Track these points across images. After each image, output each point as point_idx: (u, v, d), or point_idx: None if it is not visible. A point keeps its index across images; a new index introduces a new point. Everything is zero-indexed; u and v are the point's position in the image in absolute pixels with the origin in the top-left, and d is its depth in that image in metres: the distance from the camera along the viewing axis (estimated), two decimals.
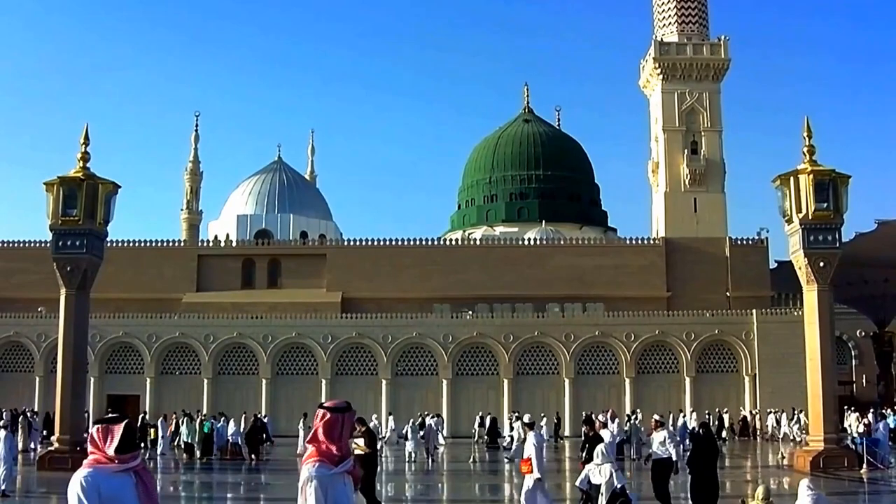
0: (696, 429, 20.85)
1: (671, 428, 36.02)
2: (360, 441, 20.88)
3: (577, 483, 20.49)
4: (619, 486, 18.61)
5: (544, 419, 49.93)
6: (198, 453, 41.03)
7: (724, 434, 55.17)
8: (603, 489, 18.74)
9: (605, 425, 26.91)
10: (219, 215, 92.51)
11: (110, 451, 6.17)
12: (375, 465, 21.10)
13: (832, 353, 34.18)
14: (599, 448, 19.34)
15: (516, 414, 47.99)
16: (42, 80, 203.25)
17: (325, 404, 6.93)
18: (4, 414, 49.74)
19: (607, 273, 72.61)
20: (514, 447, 19.99)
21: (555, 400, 62.25)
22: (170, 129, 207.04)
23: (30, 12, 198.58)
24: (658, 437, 20.94)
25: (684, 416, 55.02)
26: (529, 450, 18.65)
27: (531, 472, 18.39)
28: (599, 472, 18.98)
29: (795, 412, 53.88)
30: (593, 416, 28.56)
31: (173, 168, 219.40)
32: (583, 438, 22.43)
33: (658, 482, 20.66)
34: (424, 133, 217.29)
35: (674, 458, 20.65)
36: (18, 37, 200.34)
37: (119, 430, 6.19)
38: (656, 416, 21.88)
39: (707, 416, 54.65)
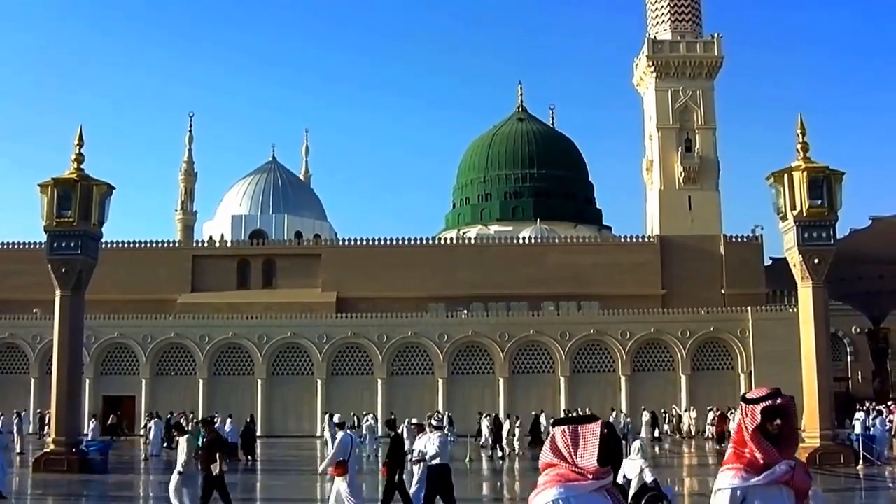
0: (602, 429, 20.05)
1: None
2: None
3: None
4: (650, 480, 18.62)
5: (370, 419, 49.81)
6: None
7: (656, 433, 55.09)
8: (634, 483, 18.79)
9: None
10: (213, 216, 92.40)
11: (586, 463, 4.77)
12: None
13: (827, 349, 34.25)
14: (636, 444, 19.42)
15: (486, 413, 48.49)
16: (35, 81, 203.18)
17: (750, 396, 5.52)
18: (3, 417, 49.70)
19: (602, 271, 72.64)
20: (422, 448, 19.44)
21: (551, 398, 62.22)
22: (164, 130, 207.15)
23: (23, 13, 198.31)
24: (433, 440, 19.61)
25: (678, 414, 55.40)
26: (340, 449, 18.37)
27: (342, 474, 18.13)
28: (633, 466, 19.04)
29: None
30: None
31: (168, 169, 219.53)
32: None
33: (437, 490, 19.43)
34: (418, 132, 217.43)
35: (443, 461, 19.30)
36: (12, 37, 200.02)
37: (595, 434, 4.82)
38: (433, 419, 21.14)
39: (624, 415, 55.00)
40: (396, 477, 20.14)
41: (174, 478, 19.95)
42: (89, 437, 43.27)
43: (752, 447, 5.25)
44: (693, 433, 56.56)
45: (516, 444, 43.39)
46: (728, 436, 49.98)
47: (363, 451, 39.66)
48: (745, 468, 5.25)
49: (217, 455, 19.48)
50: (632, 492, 18.79)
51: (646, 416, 55.36)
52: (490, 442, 44.85)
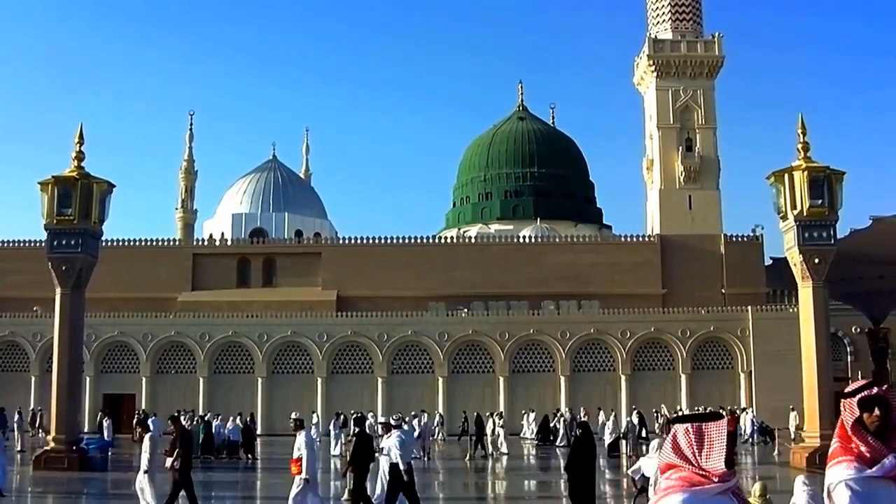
0: (576, 430, 20.01)
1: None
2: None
3: (630, 472, 20.52)
4: None
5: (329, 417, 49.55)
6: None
7: (643, 433, 54.90)
8: (652, 481, 18.89)
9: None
10: (214, 214, 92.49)
11: (712, 465, 4.41)
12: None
13: (827, 349, 34.26)
14: (655, 442, 19.52)
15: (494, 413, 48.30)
16: (36, 80, 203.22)
17: (847, 390, 5.18)
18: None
19: (602, 270, 72.68)
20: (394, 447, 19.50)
21: (551, 397, 62.27)
22: (164, 128, 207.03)
23: (23, 11, 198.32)
24: (392, 438, 19.73)
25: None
26: (300, 450, 18.36)
27: (300, 472, 18.17)
28: (652, 464, 19.13)
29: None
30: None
31: (168, 167, 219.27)
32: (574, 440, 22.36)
33: (399, 487, 19.55)
34: (419, 131, 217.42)
35: (401, 463, 19.45)
36: (12, 36, 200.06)
37: (721, 433, 4.45)
38: (392, 419, 21.07)
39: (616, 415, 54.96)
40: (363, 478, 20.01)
41: (139, 476, 20.22)
42: (106, 437, 43.16)
43: (857, 442, 4.99)
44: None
45: (502, 443, 43.04)
46: (738, 437, 50.16)
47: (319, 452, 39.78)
48: (857, 460, 4.97)
49: (176, 451, 19.67)
50: (653, 489, 18.90)
51: (634, 418, 54.87)
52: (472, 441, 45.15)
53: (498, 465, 39.54)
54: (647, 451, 19.38)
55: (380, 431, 29.59)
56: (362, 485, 19.85)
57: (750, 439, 49.95)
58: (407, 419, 46.61)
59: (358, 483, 19.85)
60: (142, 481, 20.03)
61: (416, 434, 42.76)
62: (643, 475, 19.40)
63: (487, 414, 49.41)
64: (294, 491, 18.35)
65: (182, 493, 19.87)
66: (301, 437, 18.63)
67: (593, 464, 19.35)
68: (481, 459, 40.96)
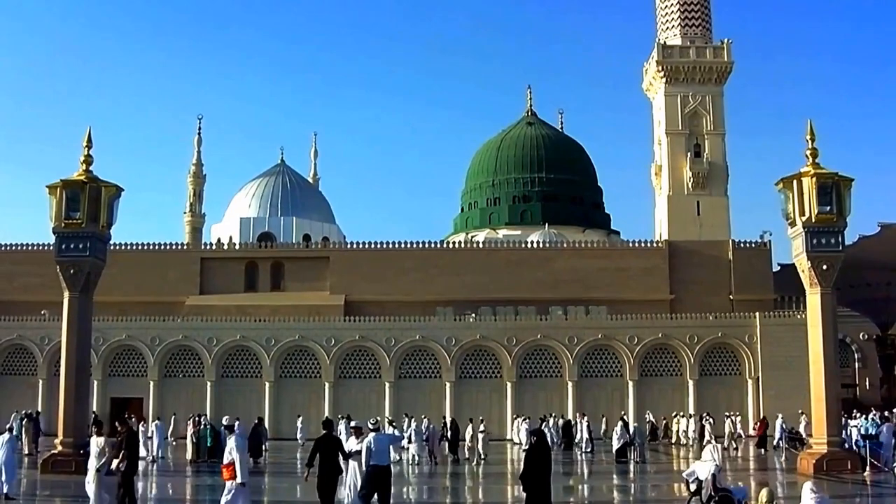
0: (530, 437, 19.71)
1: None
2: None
3: (685, 475, 20.70)
4: (721, 484, 19.02)
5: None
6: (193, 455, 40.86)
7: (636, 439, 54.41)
8: (705, 485, 19.16)
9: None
10: (222, 218, 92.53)
11: None
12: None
13: (835, 355, 34.12)
14: (708, 448, 19.78)
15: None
16: (45, 83, 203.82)
17: None
18: (14, 416, 49.85)
19: (610, 276, 72.56)
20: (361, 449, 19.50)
21: (558, 403, 62.21)
22: (173, 132, 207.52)
23: (33, 14, 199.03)
24: (366, 442, 19.74)
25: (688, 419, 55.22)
26: (231, 454, 18.26)
27: (233, 478, 18.04)
28: (704, 468, 19.45)
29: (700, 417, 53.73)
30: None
31: (176, 171, 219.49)
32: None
33: (374, 488, 19.53)
34: (427, 136, 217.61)
35: (362, 463, 19.48)
36: (22, 39, 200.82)
37: None
38: (370, 423, 20.89)
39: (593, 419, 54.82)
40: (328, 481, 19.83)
41: (89, 475, 20.38)
42: (155, 443, 42.43)
43: None
44: (682, 440, 55.10)
45: (481, 448, 42.55)
46: (768, 440, 49.88)
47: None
48: None
49: (122, 453, 19.74)
50: (705, 493, 19.15)
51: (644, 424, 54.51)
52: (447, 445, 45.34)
53: (467, 469, 39.19)
54: (701, 455, 19.75)
55: (343, 435, 29.53)
56: (325, 488, 19.62)
57: (779, 444, 49.52)
58: (392, 424, 46.77)
59: (321, 486, 19.61)
60: (90, 478, 20.21)
61: (423, 437, 42.91)
62: (697, 478, 19.64)
63: (480, 419, 49.09)
64: (225, 499, 18.17)
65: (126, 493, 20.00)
66: (231, 442, 18.48)
67: (548, 472, 19.03)
68: (453, 465, 40.98)
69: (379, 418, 24.98)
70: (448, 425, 46.99)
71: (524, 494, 18.98)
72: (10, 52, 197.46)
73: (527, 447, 19.54)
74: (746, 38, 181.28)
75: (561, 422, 53.79)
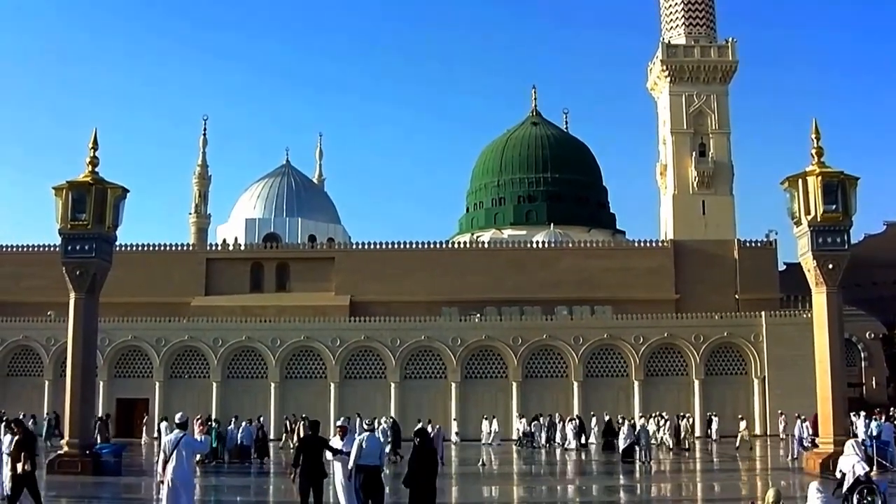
0: (413, 438, 19.53)
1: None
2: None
3: (839, 469, 21.02)
4: (862, 474, 19.41)
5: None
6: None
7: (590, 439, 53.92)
8: (848, 477, 19.50)
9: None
10: (227, 219, 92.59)
11: None
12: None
13: (841, 355, 34.03)
14: (850, 442, 20.25)
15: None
16: (51, 85, 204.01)
17: None
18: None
19: (615, 276, 72.54)
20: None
21: (563, 403, 62.20)
22: (178, 134, 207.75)
23: (38, 17, 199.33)
24: (362, 440, 19.69)
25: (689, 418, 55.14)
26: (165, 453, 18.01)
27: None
28: (847, 462, 19.87)
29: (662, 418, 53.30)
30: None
31: (182, 172, 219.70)
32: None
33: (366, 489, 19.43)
34: (433, 136, 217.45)
35: (350, 462, 19.40)
36: (29, 42, 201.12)
37: None
38: (365, 423, 20.76)
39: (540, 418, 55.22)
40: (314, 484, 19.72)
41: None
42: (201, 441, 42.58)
43: None
44: (674, 442, 53.90)
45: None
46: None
47: None
48: None
49: (23, 454, 19.73)
50: (846, 485, 19.60)
51: (651, 424, 53.82)
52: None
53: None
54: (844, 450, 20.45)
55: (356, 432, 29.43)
56: (307, 489, 19.54)
57: (805, 445, 49.13)
58: (383, 424, 46.51)
59: (303, 487, 19.54)
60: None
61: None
62: (840, 470, 20.03)
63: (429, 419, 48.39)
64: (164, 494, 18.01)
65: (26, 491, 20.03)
66: (166, 438, 18.44)
67: (434, 475, 18.84)
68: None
69: (377, 419, 24.99)
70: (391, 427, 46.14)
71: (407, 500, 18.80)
72: (17, 54, 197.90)
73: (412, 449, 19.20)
74: (751, 37, 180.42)
75: (603, 423, 52.13)
